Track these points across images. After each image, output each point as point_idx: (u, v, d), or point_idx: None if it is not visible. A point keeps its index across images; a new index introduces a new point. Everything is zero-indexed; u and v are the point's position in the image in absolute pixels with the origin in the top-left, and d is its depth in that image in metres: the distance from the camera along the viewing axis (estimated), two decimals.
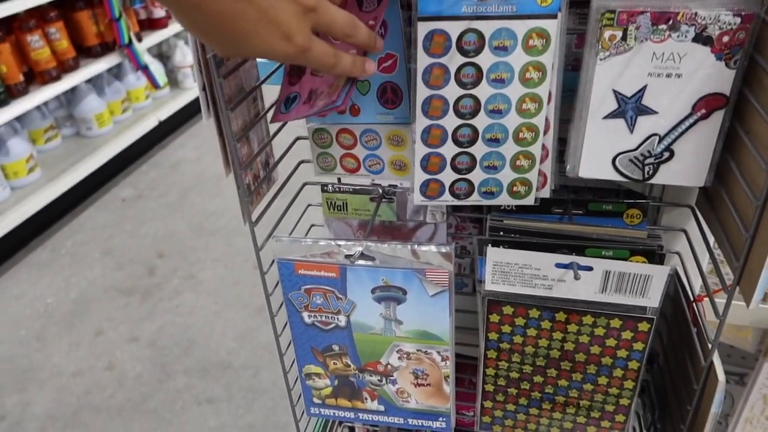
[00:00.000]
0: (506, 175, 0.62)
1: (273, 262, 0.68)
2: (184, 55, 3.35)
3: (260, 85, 0.65)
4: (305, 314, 0.70)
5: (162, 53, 3.46)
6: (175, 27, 3.26)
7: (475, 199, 0.64)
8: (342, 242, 0.64)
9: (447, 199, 0.65)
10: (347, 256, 0.64)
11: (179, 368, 2.01)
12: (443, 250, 0.62)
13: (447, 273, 0.63)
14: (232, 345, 2.08)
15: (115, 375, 2.00)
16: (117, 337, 2.15)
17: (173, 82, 3.40)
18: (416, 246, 0.62)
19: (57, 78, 2.54)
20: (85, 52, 2.74)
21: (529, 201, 0.62)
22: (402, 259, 0.64)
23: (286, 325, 0.73)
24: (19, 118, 2.54)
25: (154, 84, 3.12)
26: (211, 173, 3.08)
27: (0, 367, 2.05)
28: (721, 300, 0.58)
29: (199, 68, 0.55)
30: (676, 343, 0.70)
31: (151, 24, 3.11)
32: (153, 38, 3.09)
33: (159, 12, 3.10)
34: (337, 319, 0.70)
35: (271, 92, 0.69)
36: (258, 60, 0.66)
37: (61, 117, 2.88)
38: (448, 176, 0.63)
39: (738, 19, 0.50)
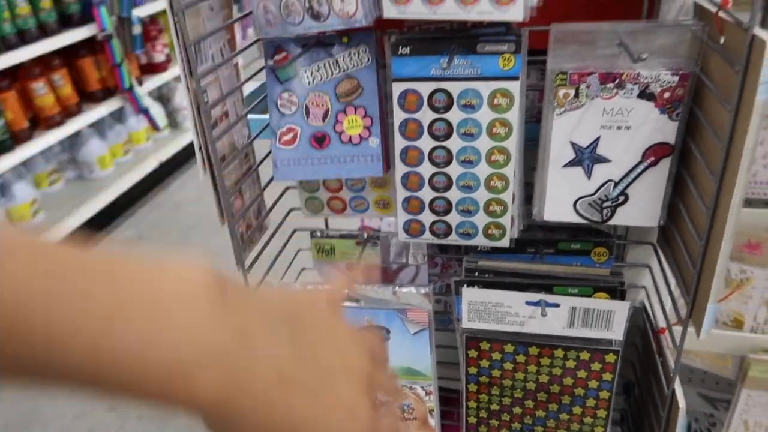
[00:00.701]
0: (481, 219, 0.67)
1: None
2: (184, 98, 3.44)
3: (251, 142, 0.71)
4: None
5: (162, 96, 3.56)
6: (174, 70, 3.36)
7: (453, 239, 0.69)
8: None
9: (428, 237, 0.70)
10: None
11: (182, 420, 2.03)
12: (422, 291, 0.67)
13: (426, 312, 0.68)
14: None
15: (117, 415, 2.02)
16: None
17: (173, 123, 3.48)
18: (397, 287, 0.67)
19: (60, 123, 2.61)
20: (87, 96, 2.82)
21: (504, 243, 0.67)
22: (384, 300, 0.68)
23: None
24: (24, 163, 2.61)
25: (155, 126, 3.21)
26: (212, 212, 3.12)
27: (5, 407, 2.07)
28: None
29: (195, 131, 0.60)
30: (647, 373, 0.74)
31: (151, 68, 3.21)
32: (153, 81, 3.19)
33: (159, 56, 3.20)
34: None
35: (262, 147, 0.74)
36: (249, 117, 0.72)
37: (64, 160, 2.95)
38: (427, 217, 0.68)
39: (676, 78, 0.55)
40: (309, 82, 0.64)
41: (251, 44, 0.69)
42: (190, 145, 3.55)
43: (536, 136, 0.64)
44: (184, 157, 3.53)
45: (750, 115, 0.46)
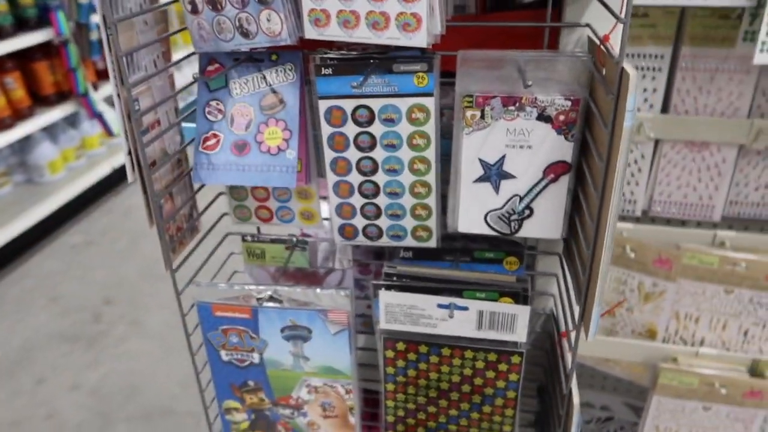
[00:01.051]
0: (408, 222, 0.72)
1: (193, 305, 0.75)
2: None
3: (183, 148, 0.74)
4: (223, 353, 0.77)
5: None
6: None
7: (385, 241, 0.74)
8: (253, 287, 0.72)
9: (361, 240, 0.74)
10: (258, 299, 0.72)
11: (121, 415, 2.01)
12: (342, 294, 0.71)
13: (346, 313, 0.72)
14: (176, 390, 2.09)
15: (55, 424, 1.98)
16: (58, 385, 2.13)
17: None
18: (318, 290, 0.71)
19: (11, 126, 2.58)
20: (41, 100, 2.79)
21: (432, 244, 0.72)
22: (307, 301, 0.72)
23: (206, 363, 0.80)
24: None
25: (109, 131, 3.18)
26: None
27: None
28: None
29: (125, 135, 0.63)
30: (553, 375, 0.79)
31: (107, 74, 3.19)
32: (109, 87, 3.15)
33: None
34: (252, 356, 0.77)
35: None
36: (183, 125, 0.76)
37: (13, 164, 2.90)
38: (359, 222, 0.73)
39: (569, 102, 0.62)
40: (237, 93, 0.68)
41: (185, 57, 0.73)
42: None
43: (447, 152, 0.70)
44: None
45: (620, 139, 0.52)
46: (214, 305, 0.74)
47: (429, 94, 0.65)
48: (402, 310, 0.71)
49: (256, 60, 0.68)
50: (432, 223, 0.72)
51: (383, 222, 0.73)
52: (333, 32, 0.59)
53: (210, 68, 0.69)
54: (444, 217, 0.72)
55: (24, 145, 2.88)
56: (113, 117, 3.20)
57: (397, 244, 0.75)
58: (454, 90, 0.70)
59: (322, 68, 0.65)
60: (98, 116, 3.05)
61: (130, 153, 0.65)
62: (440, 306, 0.70)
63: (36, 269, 2.75)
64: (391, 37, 0.57)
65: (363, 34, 0.58)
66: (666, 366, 1.09)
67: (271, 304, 0.72)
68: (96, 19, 2.86)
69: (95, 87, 3.01)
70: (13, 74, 2.57)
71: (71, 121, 3.07)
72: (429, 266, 0.77)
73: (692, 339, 1.15)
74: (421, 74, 0.63)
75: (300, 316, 0.73)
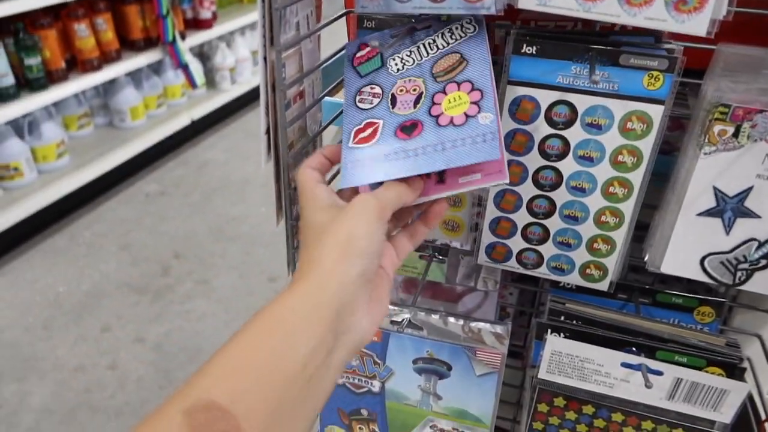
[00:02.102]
0: (580, 255, 0.57)
1: None
2: (225, 57, 3.35)
3: (324, 128, 0.61)
4: None
5: (203, 53, 3.47)
6: (219, 29, 3.26)
7: (543, 272, 0.60)
8: (390, 306, 0.59)
9: (513, 265, 0.60)
10: (393, 322, 0.59)
11: (182, 376, 1.96)
12: (498, 331, 0.57)
13: (500, 355, 0.58)
14: None
15: (117, 375, 1.96)
16: (123, 335, 2.11)
17: (210, 82, 3.39)
18: (470, 322, 0.58)
19: (98, 68, 2.54)
20: (128, 45, 2.74)
21: (603, 286, 0.58)
22: (451, 333, 0.59)
23: None
24: (56, 104, 2.54)
25: (192, 83, 3.12)
26: (237, 177, 3.06)
27: (3, 353, 2.02)
28: None
29: (266, 110, 0.51)
30: None
31: (196, 24, 3.12)
32: (196, 38, 3.10)
33: (205, 13, 3.10)
34: (371, 383, 0.65)
35: (328, 133, 0.65)
36: (324, 100, 0.63)
37: (96, 106, 2.88)
38: (517, 243, 0.59)
39: None
40: (398, 70, 0.52)
41: (339, 17, 0.59)
42: (225, 106, 3.48)
43: (657, 170, 0.54)
44: (218, 117, 3.45)
45: None
46: None
47: (659, 101, 0.49)
48: (572, 362, 0.57)
49: (420, 29, 0.53)
50: (611, 261, 0.57)
51: (547, 249, 0.58)
52: (561, 3, 0.44)
53: (360, 54, 0.54)
54: (632, 246, 0.57)
55: (108, 88, 2.86)
56: (198, 69, 3.14)
57: (558, 277, 0.60)
58: (682, 92, 0.54)
59: (523, 45, 0.50)
60: (183, 67, 2.99)
61: (268, 131, 0.52)
62: (625, 365, 0.55)
63: (109, 215, 2.74)
64: (653, 17, 0.41)
65: (608, 10, 0.42)
66: None
67: (408, 330, 0.59)
68: None
69: (183, 36, 2.95)
70: (105, 15, 2.52)
71: (155, 68, 3.02)
72: (599, 306, 0.62)
73: None
74: (656, 73, 0.48)
75: (441, 349, 0.59)
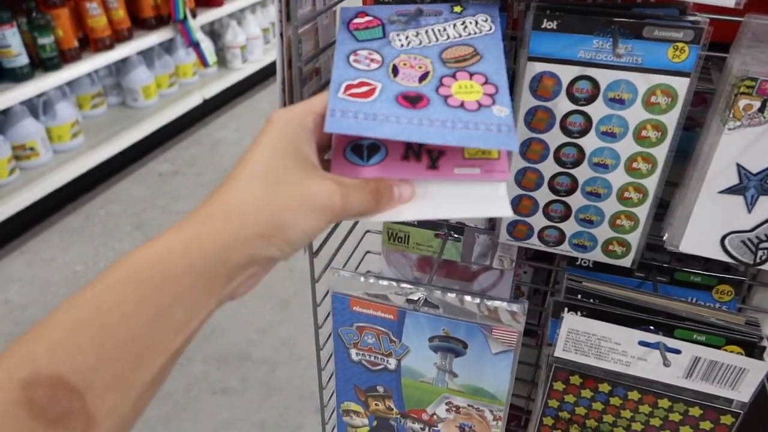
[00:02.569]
0: (602, 232, 0.57)
1: (327, 293, 0.63)
2: (236, 35, 3.33)
3: None
4: (353, 351, 0.66)
5: (214, 31, 3.45)
6: (230, 6, 3.24)
7: (564, 249, 0.59)
8: (405, 285, 0.59)
9: (535, 243, 0.60)
10: (409, 301, 0.60)
11: (198, 354, 1.99)
12: (514, 309, 0.57)
13: (516, 333, 0.58)
14: (252, 336, 2.06)
15: None
16: None
17: (222, 61, 3.38)
18: (486, 300, 0.57)
19: (110, 47, 2.54)
20: (139, 23, 2.73)
21: (626, 263, 0.57)
22: (467, 311, 0.59)
23: (330, 357, 0.69)
24: (69, 83, 2.54)
25: (204, 62, 3.11)
26: None
27: (23, 330, 2.05)
28: None
29: (282, 87, 0.50)
30: None
31: (207, 1, 3.10)
32: (207, 16, 3.08)
33: None
34: (387, 361, 0.65)
35: None
36: None
37: (109, 85, 2.88)
38: (538, 221, 0.58)
39: None
40: (401, 45, 0.49)
41: None
42: (237, 85, 3.46)
43: (681, 147, 0.53)
44: (229, 96, 3.44)
45: None
46: (352, 299, 0.62)
47: (684, 74, 0.48)
48: (588, 340, 0.57)
49: (429, 14, 0.51)
50: (634, 237, 0.56)
51: (570, 226, 0.58)
52: None
53: (358, 20, 0.51)
54: (649, 233, 0.56)
55: (120, 67, 2.86)
56: (209, 47, 3.12)
57: (580, 254, 0.60)
58: (705, 66, 0.52)
59: (544, 20, 0.49)
60: (195, 45, 2.98)
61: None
62: (642, 343, 0.55)
63: (123, 194, 2.76)
64: None
65: None
66: None
67: (424, 308, 0.59)
68: None
69: (194, 14, 2.93)
70: None
71: (167, 47, 3.01)
72: (616, 283, 0.61)
73: None
74: (681, 45, 0.46)
75: (457, 327, 0.60)
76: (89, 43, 2.51)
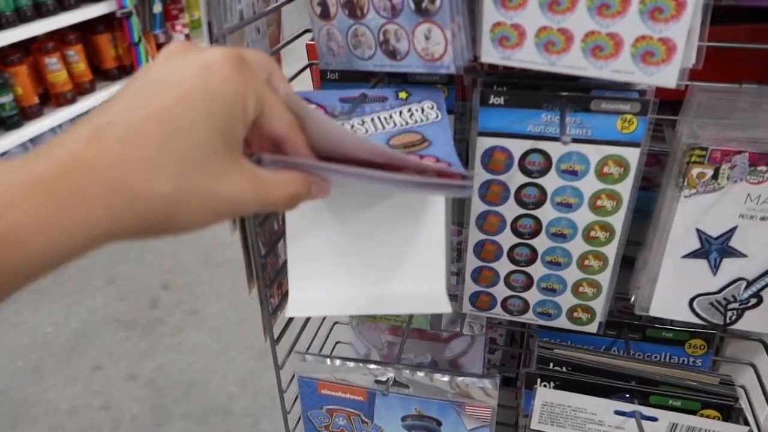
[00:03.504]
0: (566, 300, 0.55)
1: (293, 377, 0.61)
2: None
3: None
4: None
5: None
6: None
7: (529, 317, 0.58)
8: (372, 366, 0.57)
9: (499, 312, 0.59)
10: (378, 382, 0.57)
11: (177, 411, 1.93)
12: (487, 385, 0.55)
13: (489, 409, 0.56)
14: (233, 389, 2.00)
15: (111, 415, 1.93)
16: (115, 373, 2.07)
17: None
18: (457, 378, 0.56)
19: (72, 101, 2.50)
20: (102, 74, 2.71)
21: (592, 329, 0.56)
22: (438, 389, 0.57)
23: None
24: (32, 140, 2.50)
25: None
26: None
27: None
28: None
29: None
30: None
31: None
32: None
33: (178, 36, 3.07)
34: None
35: None
36: None
37: None
38: (500, 291, 0.57)
39: None
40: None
41: (302, 70, 0.57)
42: None
43: (640, 207, 0.52)
44: None
45: None
46: (320, 382, 0.59)
47: (634, 144, 0.47)
48: (564, 412, 0.55)
49: (374, 99, 0.50)
50: (598, 304, 0.55)
51: (532, 296, 0.57)
52: (526, 56, 0.42)
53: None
54: (617, 288, 0.55)
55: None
56: None
57: (545, 322, 0.58)
58: (672, 131, 0.52)
59: (491, 96, 0.48)
60: None
61: None
62: (619, 413, 0.53)
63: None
64: (620, 69, 0.39)
65: (574, 63, 0.40)
66: None
67: (394, 389, 0.57)
68: None
69: None
70: (75, 47, 2.49)
71: None
72: (588, 347, 0.60)
73: None
74: (629, 117, 0.46)
75: (429, 406, 0.57)
76: (50, 98, 2.48)
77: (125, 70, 2.77)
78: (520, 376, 0.69)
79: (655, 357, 0.62)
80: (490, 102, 0.48)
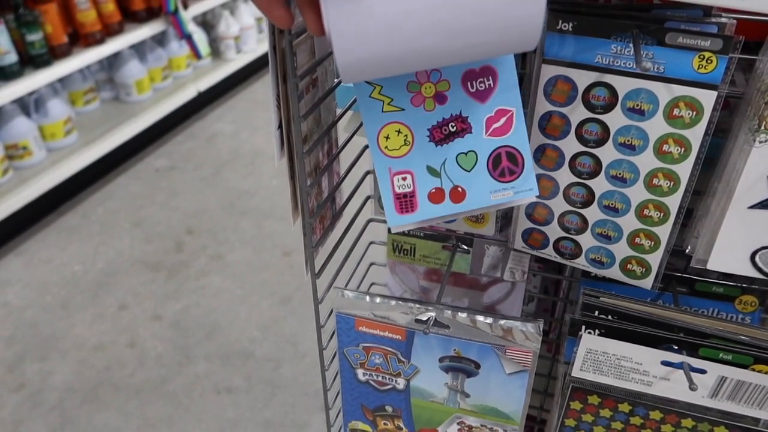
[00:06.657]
0: (621, 249, 0.53)
1: (331, 312, 0.60)
2: (229, 26, 3.27)
3: (339, 118, 0.57)
4: (360, 371, 0.63)
5: (206, 22, 3.39)
6: None
7: (581, 263, 0.56)
8: (413, 304, 0.56)
9: (550, 253, 0.57)
10: (418, 321, 0.57)
11: (200, 352, 1.97)
12: (530, 329, 0.54)
13: (531, 353, 0.55)
14: (255, 334, 2.04)
15: (137, 353, 1.98)
16: (141, 313, 2.12)
17: (215, 52, 3.32)
18: (499, 320, 0.55)
19: (101, 41, 2.48)
20: (130, 16, 2.67)
21: (646, 284, 0.54)
22: (479, 331, 0.56)
23: (336, 376, 0.66)
24: (61, 80, 2.50)
25: (197, 54, 3.06)
26: (246, 149, 3.02)
27: (24, 332, 2.03)
28: None
29: (277, 104, 0.47)
30: None
31: None
32: (199, 7, 3.02)
33: None
34: (396, 381, 0.62)
35: (344, 121, 0.61)
36: (340, 87, 0.58)
37: (101, 80, 2.83)
38: (553, 231, 0.55)
39: None
40: None
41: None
42: (231, 76, 3.41)
43: (713, 157, 0.50)
44: (224, 87, 3.39)
45: None
46: (358, 319, 0.59)
47: (711, 86, 0.44)
48: (608, 360, 0.54)
49: None
50: (654, 258, 0.53)
51: (586, 240, 0.55)
52: None
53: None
54: (671, 254, 0.53)
55: (112, 61, 2.81)
56: (202, 39, 3.07)
57: (597, 270, 0.57)
58: (743, 75, 0.49)
59: (559, 21, 0.45)
60: (187, 37, 2.92)
61: (281, 126, 0.48)
62: (666, 363, 0.52)
63: (120, 191, 2.73)
64: None
65: None
66: None
67: (434, 329, 0.56)
68: None
69: (185, 5, 2.87)
70: None
71: (159, 40, 2.95)
72: (634, 297, 0.58)
73: None
74: (707, 54, 0.43)
75: (469, 348, 0.57)
76: (79, 38, 2.46)
77: (153, 12, 2.74)
78: (564, 323, 0.68)
79: (703, 312, 0.60)
80: (558, 27, 0.45)
